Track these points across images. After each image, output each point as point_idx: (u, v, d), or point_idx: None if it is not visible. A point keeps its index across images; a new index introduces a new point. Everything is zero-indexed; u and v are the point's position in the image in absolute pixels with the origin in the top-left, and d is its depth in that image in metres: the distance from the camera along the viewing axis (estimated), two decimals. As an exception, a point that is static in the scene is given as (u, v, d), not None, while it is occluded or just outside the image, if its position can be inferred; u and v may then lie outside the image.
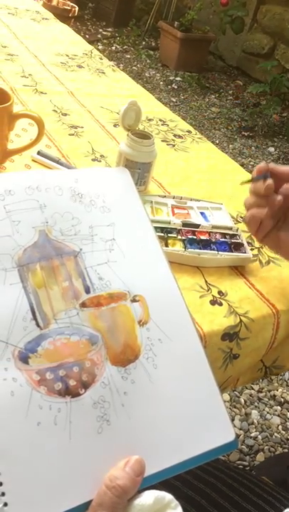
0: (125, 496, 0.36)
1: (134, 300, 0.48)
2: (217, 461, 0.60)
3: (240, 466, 1.14)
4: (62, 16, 2.58)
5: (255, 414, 1.26)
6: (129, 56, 3.82)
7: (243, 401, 1.29)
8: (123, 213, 0.54)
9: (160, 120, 0.97)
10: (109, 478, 0.36)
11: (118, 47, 3.93)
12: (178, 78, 3.60)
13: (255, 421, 1.25)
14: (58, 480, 0.37)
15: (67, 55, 1.13)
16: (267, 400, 1.31)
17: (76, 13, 3.56)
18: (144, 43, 4.11)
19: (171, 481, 0.40)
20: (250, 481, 0.60)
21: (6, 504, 0.35)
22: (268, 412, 1.27)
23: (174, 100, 3.21)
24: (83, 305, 0.46)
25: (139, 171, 0.68)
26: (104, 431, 0.40)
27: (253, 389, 1.33)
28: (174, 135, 0.92)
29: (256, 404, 1.29)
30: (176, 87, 3.47)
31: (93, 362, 0.43)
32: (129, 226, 0.53)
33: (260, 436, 1.21)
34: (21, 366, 0.41)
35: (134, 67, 3.64)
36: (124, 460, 0.38)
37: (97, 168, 0.61)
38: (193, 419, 0.43)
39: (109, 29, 4.20)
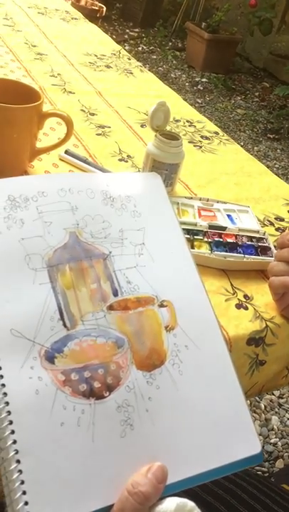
0: (147, 502, 0.35)
1: (161, 305, 0.48)
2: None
3: (259, 473, 1.12)
4: (90, 16, 2.59)
5: (275, 420, 1.25)
6: (155, 57, 3.82)
7: (263, 406, 1.27)
8: (154, 218, 0.54)
9: (187, 121, 0.96)
10: (131, 483, 0.36)
11: (144, 47, 3.94)
12: (204, 79, 3.58)
13: (275, 427, 1.23)
14: (80, 482, 0.37)
15: (95, 55, 1.14)
16: (288, 406, 1.29)
17: (104, 14, 3.58)
18: (170, 43, 4.10)
19: (192, 488, 0.39)
20: (271, 490, 0.59)
21: (26, 503, 0.35)
22: (288, 419, 1.26)
23: (200, 101, 3.20)
24: (111, 308, 0.46)
25: (166, 172, 0.67)
26: (128, 435, 0.39)
27: (273, 394, 1.31)
28: (201, 136, 0.91)
29: (276, 410, 1.27)
30: (201, 88, 3.46)
31: (118, 365, 0.43)
32: (160, 231, 0.53)
33: (279, 443, 1.20)
34: (47, 366, 0.41)
35: (160, 68, 3.63)
36: (147, 466, 0.38)
37: (130, 172, 0.61)
38: (219, 429, 0.42)
39: (136, 30, 4.21)
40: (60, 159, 0.73)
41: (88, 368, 0.41)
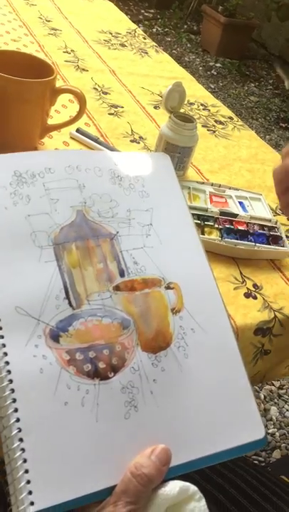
0: (150, 484, 0.35)
1: (168, 287, 0.47)
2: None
3: (256, 462, 1.13)
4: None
5: (274, 410, 1.25)
6: (169, 39, 3.76)
7: (262, 396, 1.27)
8: (162, 199, 0.53)
9: (202, 105, 0.94)
10: (134, 465, 0.36)
11: (159, 29, 3.87)
12: (218, 64, 3.53)
13: (274, 417, 1.23)
14: (82, 462, 0.36)
15: (110, 33, 1.11)
16: (287, 397, 1.29)
17: (119, -7, 3.52)
18: (185, 26, 4.04)
19: (191, 474, 0.39)
20: (270, 481, 0.59)
21: (28, 482, 0.34)
22: (287, 410, 1.26)
23: (212, 87, 3.15)
24: (117, 288, 0.45)
25: (179, 155, 0.66)
26: (132, 417, 0.39)
27: (273, 385, 1.31)
28: (215, 121, 0.90)
29: (276, 400, 1.27)
30: (215, 73, 3.41)
31: (124, 346, 0.42)
32: (168, 213, 0.52)
33: (277, 433, 1.20)
34: (52, 344, 0.40)
35: (174, 51, 3.58)
36: (150, 448, 0.37)
37: (139, 152, 0.60)
38: (223, 412, 0.42)
39: (151, 11, 4.14)
40: (71, 137, 0.72)
41: (93, 348, 0.41)
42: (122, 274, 0.46)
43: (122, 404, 0.39)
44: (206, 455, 0.39)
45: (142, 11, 4.08)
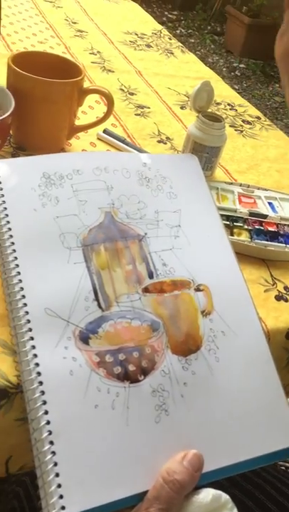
0: (183, 491, 0.34)
1: (198, 289, 0.46)
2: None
3: (282, 468, 1.10)
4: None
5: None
6: (193, 40, 3.75)
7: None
8: (190, 200, 0.53)
9: (228, 104, 0.93)
10: (166, 471, 0.35)
11: (183, 30, 3.87)
12: (242, 65, 3.50)
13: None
14: (113, 466, 0.36)
15: (136, 34, 1.11)
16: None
17: (143, -5, 3.52)
18: (209, 27, 4.02)
19: (220, 480, 0.38)
20: (301, 488, 0.57)
21: (59, 485, 0.34)
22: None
23: (237, 88, 3.13)
24: (146, 290, 0.45)
25: (207, 155, 0.65)
26: (162, 420, 0.38)
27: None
28: (243, 120, 0.88)
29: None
30: (239, 74, 3.39)
31: (154, 349, 0.41)
32: (196, 214, 0.52)
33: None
34: (81, 346, 0.40)
35: (197, 52, 3.57)
36: (182, 453, 0.37)
37: (166, 154, 0.59)
38: (255, 418, 0.41)
39: (175, 12, 4.13)
40: (98, 138, 0.72)
41: (123, 351, 0.40)
42: (150, 275, 0.46)
43: (153, 408, 0.39)
44: (237, 462, 0.38)
45: (166, 13, 4.08)
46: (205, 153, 0.65)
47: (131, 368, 0.40)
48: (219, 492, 0.36)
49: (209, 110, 0.67)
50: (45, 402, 0.36)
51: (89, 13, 1.14)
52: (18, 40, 0.92)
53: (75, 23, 1.07)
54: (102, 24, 1.10)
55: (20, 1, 1.09)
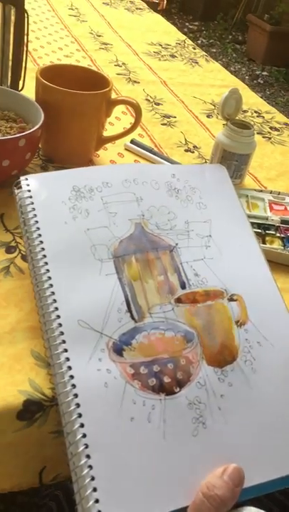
0: (223, 507, 0.33)
1: (231, 299, 0.46)
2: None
3: None
4: (151, 9, 2.57)
5: None
6: (214, 50, 3.76)
7: None
8: (220, 210, 0.52)
9: (255, 112, 0.92)
10: (206, 486, 0.34)
11: (204, 41, 3.88)
12: (264, 73, 3.49)
13: None
14: (151, 481, 0.35)
15: (160, 45, 1.12)
16: None
17: (164, 7, 3.55)
18: (230, 36, 4.02)
19: (262, 498, 0.37)
20: None
21: (97, 501, 0.33)
22: None
23: (260, 95, 3.10)
24: (178, 301, 0.44)
25: (236, 163, 0.65)
26: (200, 434, 0.38)
27: None
28: (271, 127, 0.88)
29: None
30: (262, 81, 3.37)
31: (188, 360, 0.41)
32: (226, 223, 0.51)
33: None
34: (115, 358, 0.39)
35: (219, 61, 3.57)
36: (222, 468, 0.36)
37: (194, 164, 0.59)
38: (295, 431, 0.39)
39: (196, 23, 4.15)
40: (126, 149, 0.72)
41: (157, 362, 0.40)
42: (183, 286, 0.45)
43: (190, 421, 0.38)
44: (278, 477, 0.37)
45: (187, 24, 4.10)
46: (234, 160, 0.64)
47: (166, 379, 0.39)
48: (261, 511, 0.35)
49: (237, 118, 0.66)
50: (80, 415, 0.36)
51: (113, 26, 1.15)
52: (45, 54, 0.93)
53: (99, 36, 1.08)
54: (127, 36, 1.11)
55: (45, 16, 1.11)
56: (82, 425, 0.35)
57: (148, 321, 0.42)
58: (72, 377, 0.37)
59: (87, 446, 0.35)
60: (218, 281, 0.47)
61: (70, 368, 0.38)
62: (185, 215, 0.50)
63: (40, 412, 0.38)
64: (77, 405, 0.36)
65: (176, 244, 0.48)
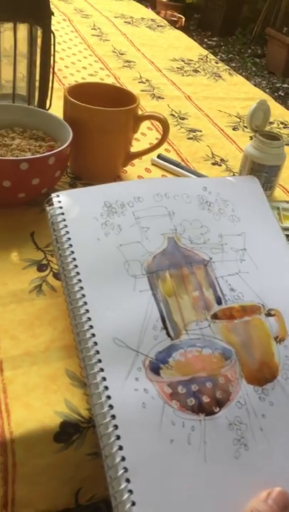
0: (270, 533, 0.31)
1: (269, 314, 0.44)
2: None
3: None
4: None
5: None
6: (234, 64, 3.77)
7: None
8: (253, 223, 0.51)
9: (281, 123, 0.91)
10: (250, 510, 0.33)
11: (223, 56, 3.90)
12: (285, 85, 3.48)
13: None
14: (193, 505, 0.34)
15: (182, 60, 1.12)
16: None
17: (183, 24, 3.58)
18: (249, 50, 4.03)
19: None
20: None
21: (138, 526, 0.32)
22: None
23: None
24: (215, 317, 0.43)
25: (266, 174, 0.64)
26: (242, 456, 0.36)
27: None
28: (298, 138, 0.86)
29: None
30: (282, 94, 3.36)
31: (227, 378, 0.39)
32: (261, 236, 0.50)
33: None
34: (152, 377, 0.38)
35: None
36: (266, 491, 0.34)
37: (226, 177, 0.58)
38: None
39: (215, 39, 4.18)
40: (153, 164, 0.71)
41: (195, 381, 0.39)
42: (219, 301, 0.44)
43: (231, 443, 0.36)
44: None
45: (206, 40, 4.13)
46: (264, 172, 0.63)
47: (205, 399, 0.38)
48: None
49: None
50: (119, 437, 0.35)
51: (135, 44, 1.16)
52: (69, 74, 0.94)
53: (122, 54, 1.09)
54: (149, 53, 1.12)
55: (68, 37, 1.12)
56: (120, 448, 0.34)
57: (184, 338, 0.41)
58: (109, 397, 0.36)
59: (126, 470, 0.34)
60: (255, 296, 0.45)
61: (106, 388, 0.37)
62: (218, 229, 0.49)
63: (77, 433, 0.37)
64: (115, 427, 0.35)
65: (211, 258, 0.47)
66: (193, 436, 0.36)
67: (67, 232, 0.45)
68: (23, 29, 0.64)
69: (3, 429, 0.36)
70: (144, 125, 0.80)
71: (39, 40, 0.65)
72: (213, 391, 0.38)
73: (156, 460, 0.34)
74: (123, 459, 0.34)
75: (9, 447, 0.35)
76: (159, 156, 0.72)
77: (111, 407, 0.36)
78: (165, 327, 0.41)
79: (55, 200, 0.47)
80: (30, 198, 0.55)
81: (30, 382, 0.39)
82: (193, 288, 0.44)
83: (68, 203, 0.47)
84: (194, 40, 1.28)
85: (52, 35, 0.63)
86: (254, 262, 0.48)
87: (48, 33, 0.63)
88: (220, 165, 0.75)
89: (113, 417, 0.36)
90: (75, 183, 0.63)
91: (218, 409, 0.38)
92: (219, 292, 0.45)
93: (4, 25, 0.64)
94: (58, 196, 0.47)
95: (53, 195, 0.47)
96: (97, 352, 0.38)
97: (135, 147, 0.71)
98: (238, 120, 0.89)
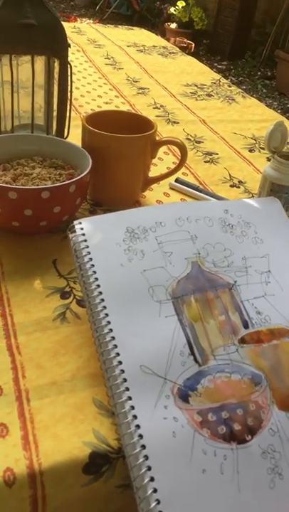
0: None
1: (297, 337, 0.43)
2: None
3: None
4: (181, 52, 2.64)
5: None
6: (244, 87, 3.81)
7: None
8: (277, 244, 0.51)
9: (298, 143, 0.91)
10: None
11: (233, 79, 3.94)
12: (296, 105, 3.50)
13: None
14: (229, 540, 0.33)
15: (195, 85, 1.13)
16: None
17: (192, 50, 3.64)
18: (259, 73, 4.08)
19: None
20: None
21: None
22: None
23: (294, 127, 3.11)
24: (242, 341, 0.42)
25: (286, 195, 0.63)
26: (277, 486, 0.35)
27: None
28: (315, 158, 0.86)
29: None
30: (294, 114, 3.38)
31: (258, 405, 0.38)
32: (285, 257, 0.50)
33: None
34: (182, 405, 0.37)
35: (250, 97, 3.60)
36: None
37: (246, 199, 0.58)
38: None
39: (224, 63, 4.24)
40: (171, 188, 0.72)
41: (226, 408, 0.38)
42: (245, 325, 0.43)
43: (265, 472, 0.35)
44: None
45: (215, 64, 4.19)
46: (284, 193, 0.63)
47: (236, 427, 0.37)
48: None
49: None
50: (150, 468, 0.34)
51: (148, 71, 1.18)
52: (85, 102, 0.96)
53: (136, 81, 1.11)
54: (162, 79, 1.14)
55: (83, 67, 1.14)
56: (152, 479, 0.33)
57: (212, 364, 0.40)
58: (138, 426, 0.36)
59: (159, 502, 0.33)
60: (282, 319, 0.45)
61: (135, 417, 0.36)
62: (241, 251, 0.49)
63: (106, 465, 0.36)
64: (146, 457, 0.34)
65: (235, 281, 0.46)
66: (226, 466, 0.35)
67: (91, 259, 0.45)
68: (40, 61, 0.65)
69: (32, 461, 0.35)
70: (161, 150, 0.80)
71: (56, 71, 0.66)
72: (244, 418, 0.37)
73: (189, 491, 0.34)
74: (155, 490, 0.33)
75: (38, 479, 0.35)
76: (177, 180, 0.72)
77: (141, 436, 0.35)
78: (192, 353, 0.41)
79: (77, 227, 0.47)
80: (52, 225, 0.55)
81: (58, 412, 0.39)
82: (219, 312, 0.44)
83: (91, 230, 0.47)
84: (204, 64, 1.29)
85: (69, 66, 0.64)
86: (279, 284, 0.47)
87: (65, 64, 0.64)
88: (238, 187, 0.75)
89: (143, 447, 0.35)
90: (94, 209, 0.64)
91: (250, 437, 0.37)
92: (246, 316, 0.44)
93: (22, 58, 0.66)
94: (80, 223, 0.47)
95: (76, 222, 0.47)
96: (125, 380, 0.38)
97: (153, 172, 0.72)
98: (254, 142, 0.89)
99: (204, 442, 0.36)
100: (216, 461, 0.35)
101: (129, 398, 0.37)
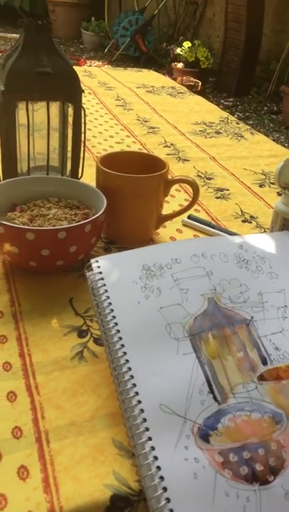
0: None
1: (317, 373, 0.43)
2: None
3: None
4: (188, 90, 2.70)
5: None
6: (251, 122, 3.87)
7: None
8: None
9: (307, 178, 0.92)
10: None
11: (240, 114, 4.02)
12: (304, 138, 3.54)
13: None
14: None
15: (204, 124, 1.16)
16: None
17: (199, 88, 3.74)
18: (265, 108, 4.15)
19: None
20: None
21: None
22: None
23: (301, 160, 3.14)
24: (261, 378, 0.42)
25: (299, 230, 0.64)
26: (303, 529, 0.34)
27: None
28: None
29: None
30: (302, 147, 3.42)
31: (280, 444, 0.38)
32: None
33: None
34: (202, 445, 0.37)
35: (257, 132, 3.66)
36: None
37: (260, 234, 0.59)
38: None
39: (230, 99, 4.33)
40: (184, 225, 0.73)
41: (247, 448, 0.37)
42: (264, 362, 0.43)
43: (290, 514, 0.34)
44: None
45: (222, 101, 4.28)
46: (296, 228, 0.63)
47: (258, 467, 0.36)
48: None
49: None
50: (172, 511, 0.33)
51: (158, 111, 1.21)
52: (98, 143, 0.98)
53: (146, 121, 1.14)
54: (172, 119, 1.16)
55: (95, 109, 1.18)
56: (175, 523, 0.33)
57: (232, 402, 0.40)
58: (159, 468, 0.35)
59: None
60: (301, 355, 0.44)
61: (156, 458, 0.36)
62: (257, 287, 0.49)
63: (128, 507, 0.36)
64: (168, 500, 0.34)
65: (252, 317, 0.46)
66: (249, 508, 0.34)
67: (108, 297, 0.45)
68: (55, 106, 0.68)
69: (53, 504, 0.35)
70: (173, 187, 0.81)
71: (70, 115, 0.68)
72: (266, 458, 0.37)
73: (213, 535, 0.33)
74: (178, 534, 0.32)
75: (59, 524, 0.34)
76: (189, 217, 0.73)
77: (162, 478, 0.35)
78: (211, 391, 0.40)
79: (94, 265, 0.48)
80: (68, 264, 0.56)
81: (78, 453, 0.38)
82: (237, 349, 0.44)
83: (107, 268, 0.47)
84: (211, 101, 1.32)
85: (83, 110, 0.66)
86: (296, 320, 0.47)
87: (79, 109, 0.66)
88: (250, 222, 0.75)
89: (164, 489, 0.34)
90: (109, 247, 0.65)
91: (272, 477, 0.36)
92: (264, 352, 0.44)
93: (38, 104, 0.68)
94: (97, 262, 0.48)
95: (93, 260, 0.48)
96: (144, 420, 0.38)
97: (165, 209, 0.73)
98: (264, 177, 0.91)
99: (226, 484, 0.35)
100: (238, 503, 0.34)
101: (150, 439, 0.37)
